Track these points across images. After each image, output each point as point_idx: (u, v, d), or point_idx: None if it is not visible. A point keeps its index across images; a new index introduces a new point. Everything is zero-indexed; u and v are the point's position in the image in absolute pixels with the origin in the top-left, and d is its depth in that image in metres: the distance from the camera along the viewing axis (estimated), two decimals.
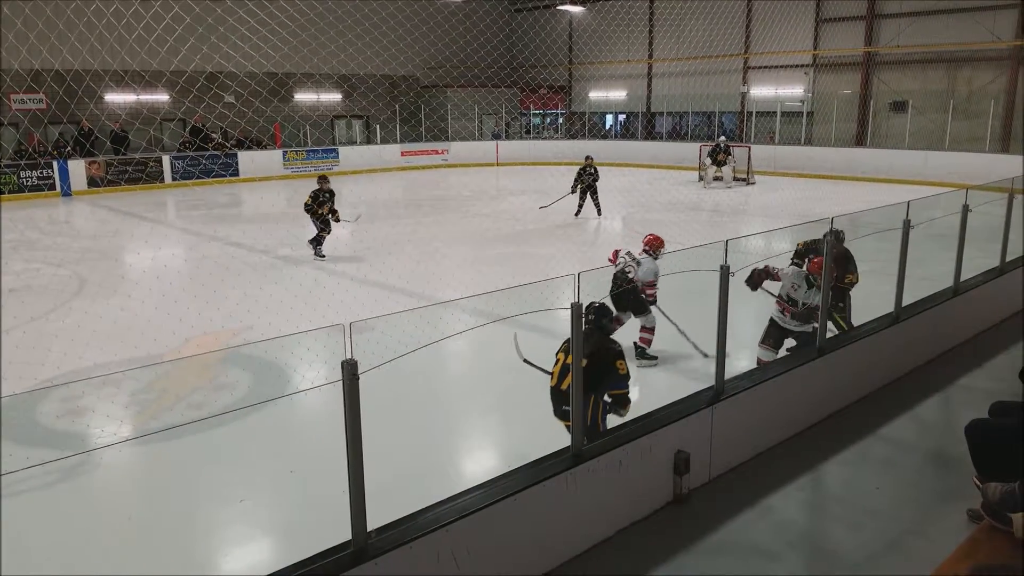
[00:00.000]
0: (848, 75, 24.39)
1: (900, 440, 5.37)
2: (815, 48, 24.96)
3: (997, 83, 21.58)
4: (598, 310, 4.55)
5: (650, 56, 29.20)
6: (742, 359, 6.64)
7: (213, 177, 21.66)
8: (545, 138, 30.45)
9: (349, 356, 2.98)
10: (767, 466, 4.91)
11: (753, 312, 7.16)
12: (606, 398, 4.52)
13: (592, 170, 15.37)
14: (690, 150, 23.26)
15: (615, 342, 4.51)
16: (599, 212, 15.38)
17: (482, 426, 6.01)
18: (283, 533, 4.44)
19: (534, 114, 32.21)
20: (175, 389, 6.39)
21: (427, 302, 8.31)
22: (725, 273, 4.57)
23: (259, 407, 5.81)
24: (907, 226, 6.22)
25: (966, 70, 22.15)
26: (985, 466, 4.11)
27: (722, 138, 21.47)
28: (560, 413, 4.57)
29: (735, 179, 20.66)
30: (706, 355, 7.06)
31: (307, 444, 5.40)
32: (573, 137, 29.44)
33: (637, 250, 7.37)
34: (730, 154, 20.49)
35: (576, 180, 15.49)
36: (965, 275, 7.42)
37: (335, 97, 26.75)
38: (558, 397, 4.55)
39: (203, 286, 9.55)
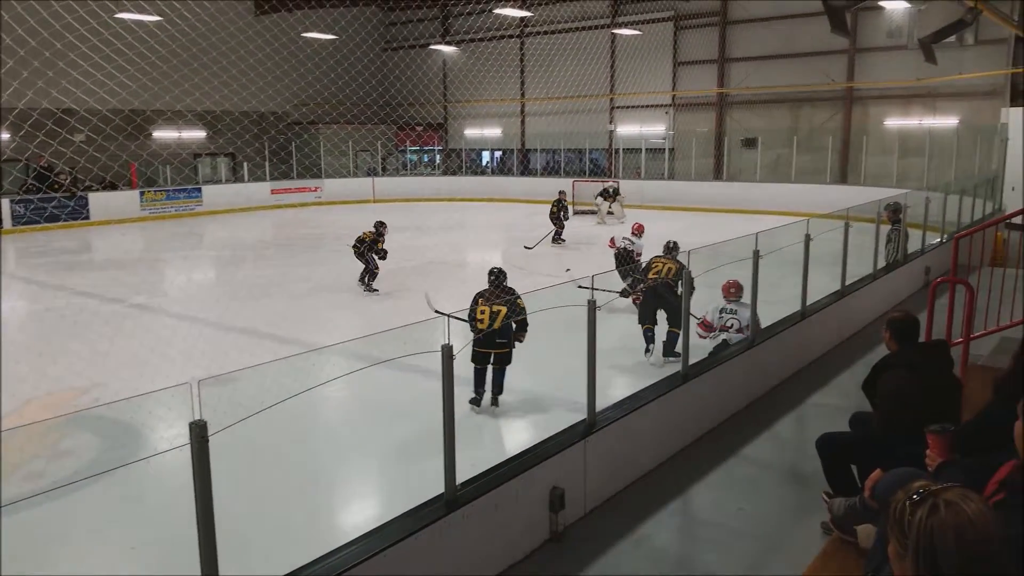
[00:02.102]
0: (704, 114, 25.93)
1: (760, 459, 5.62)
2: (674, 88, 26.42)
3: (834, 120, 23.57)
4: (498, 272, 6.94)
5: (522, 95, 29.97)
6: (616, 388, 6.80)
7: (60, 223, 20.05)
8: (422, 174, 30.51)
9: (198, 416, 2.78)
10: (640, 494, 5.00)
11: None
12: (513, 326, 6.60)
13: (564, 203, 17.25)
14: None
15: (514, 289, 6.80)
16: (556, 238, 16.75)
17: (358, 476, 5.82)
18: None
19: (411, 151, 32.24)
20: (11, 458, 5.79)
21: (300, 348, 7.99)
22: (592, 307, 4.69)
23: (107, 474, 5.34)
24: (756, 256, 6.62)
25: (806, 109, 24.07)
26: (835, 479, 4.36)
27: (612, 184, 22.16)
28: (493, 344, 6.62)
29: (609, 213, 21.40)
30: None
31: (159, 513, 4.98)
32: (451, 173, 29.65)
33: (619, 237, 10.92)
34: (619, 194, 21.26)
35: (556, 215, 16.98)
36: (813, 298, 7.97)
37: (198, 134, 25.47)
38: (489, 336, 6.53)
39: (47, 342, 8.81)
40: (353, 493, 5.48)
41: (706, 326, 7.31)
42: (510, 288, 6.96)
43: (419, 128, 31.33)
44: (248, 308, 10.71)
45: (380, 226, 12.26)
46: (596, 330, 4.73)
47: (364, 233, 12.19)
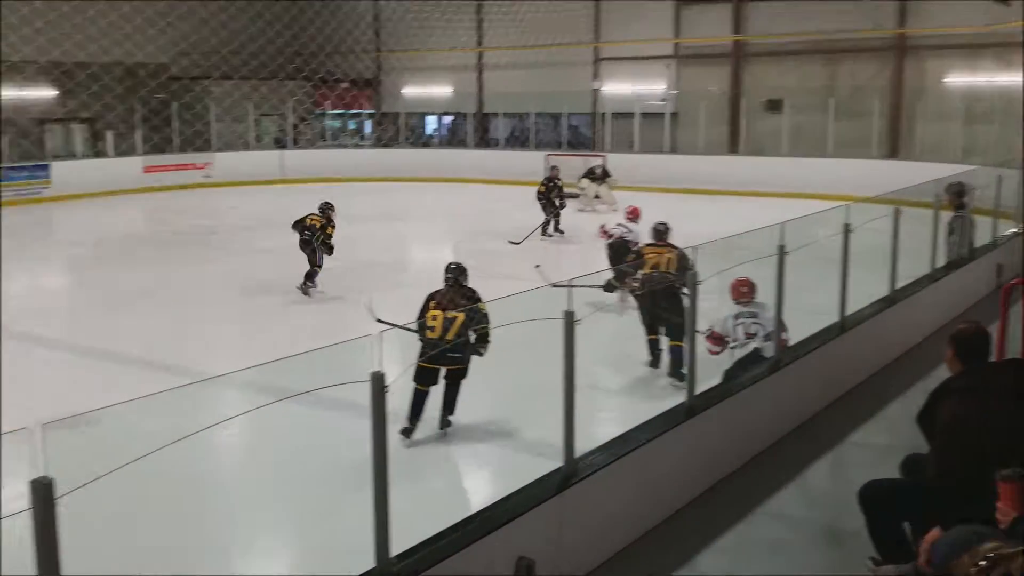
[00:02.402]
0: (716, 69, 26.32)
1: (787, 515, 5.70)
2: (677, 36, 26.73)
3: (880, 77, 24.08)
4: (455, 269, 7.37)
5: (479, 43, 30.08)
6: (602, 422, 6.84)
7: None
8: (347, 146, 30.43)
9: (42, 472, 2.79)
10: (632, 565, 5.04)
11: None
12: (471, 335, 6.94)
13: (558, 183, 17.47)
14: (534, 162, 24.09)
15: (475, 290, 7.23)
16: (548, 229, 17.05)
17: (255, 546, 5.77)
18: None
19: (332, 115, 32.15)
20: None
21: (184, 378, 7.88)
22: (570, 319, 4.73)
23: None
24: (782, 253, 6.73)
25: (847, 63, 24.57)
26: (882, 540, 4.43)
27: (599, 162, 22.35)
28: (444, 358, 6.86)
29: (596, 198, 21.56)
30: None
31: None
32: (386, 145, 29.63)
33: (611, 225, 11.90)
34: (609, 175, 21.42)
35: (546, 199, 17.21)
36: (854, 306, 8.13)
37: (44, 93, 24.58)
38: (438, 346, 6.73)
39: None
40: (249, 569, 5.43)
41: (716, 339, 7.43)
42: (471, 289, 7.26)
43: (343, 85, 31.28)
44: (113, 325, 10.57)
45: (328, 209, 12.46)
46: (575, 348, 4.76)
47: (311, 218, 12.31)
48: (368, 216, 16.93)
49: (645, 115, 26.06)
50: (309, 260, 12.16)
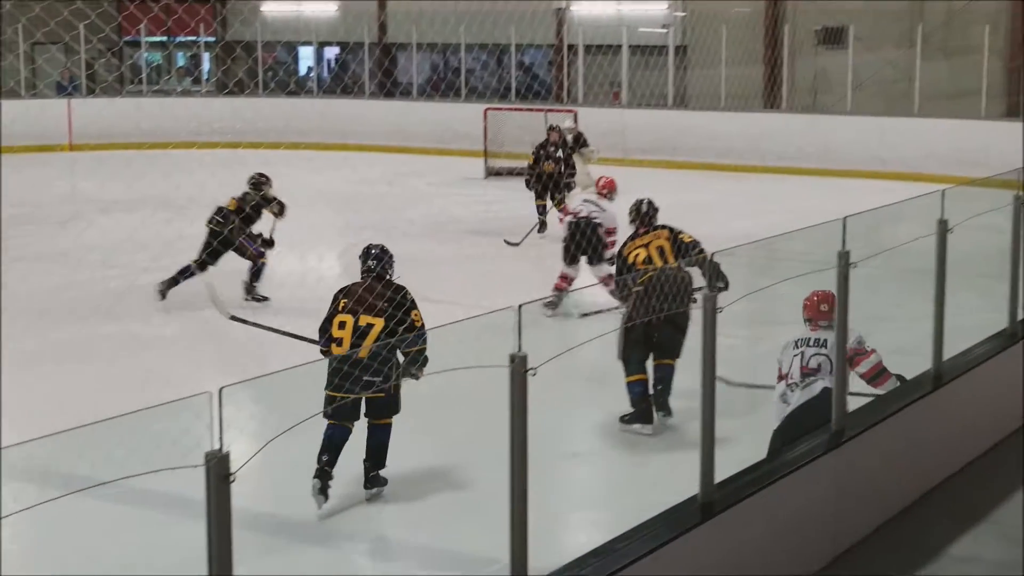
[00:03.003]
0: None
1: None
2: None
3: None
4: (378, 255, 7.83)
5: None
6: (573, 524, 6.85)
7: None
8: (173, 93, 30.16)
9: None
10: None
11: None
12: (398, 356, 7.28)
13: (561, 146, 18.06)
14: (470, 117, 24.24)
15: (404, 288, 7.64)
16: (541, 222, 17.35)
17: None
18: None
19: (150, 46, 31.81)
20: None
21: None
22: (519, 370, 4.78)
23: None
24: (846, 262, 6.79)
25: None
26: None
27: (568, 122, 22.29)
28: (360, 383, 7.05)
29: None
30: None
31: None
32: (234, 93, 29.37)
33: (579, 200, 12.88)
34: (585, 144, 21.33)
35: (535, 171, 17.76)
36: (955, 344, 8.24)
37: None
38: (354, 367, 7.03)
39: None
40: None
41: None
42: (397, 286, 7.71)
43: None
44: None
45: (261, 184, 13.88)
46: (527, 418, 4.80)
47: (229, 202, 13.56)
48: (209, 202, 16.71)
49: (637, 49, 26.32)
50: (244, 256, 13.29)
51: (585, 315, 13.14)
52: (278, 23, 31.54)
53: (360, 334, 7.35)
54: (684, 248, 9.29)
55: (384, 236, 16.31)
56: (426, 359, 7.30)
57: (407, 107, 27.79)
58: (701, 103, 25.73)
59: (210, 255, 13.08)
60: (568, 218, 12.52)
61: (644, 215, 9.49)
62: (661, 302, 8.38)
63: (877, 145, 22.26)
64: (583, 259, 12.33)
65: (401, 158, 24.73)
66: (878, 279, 7.12)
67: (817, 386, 7.27)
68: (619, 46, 26.12)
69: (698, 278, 8.62)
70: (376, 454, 7.36)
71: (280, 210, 13.75)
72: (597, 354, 9.48)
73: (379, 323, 7.37)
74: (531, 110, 24.13)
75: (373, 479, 7.38)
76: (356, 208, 19.34)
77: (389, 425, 7.40)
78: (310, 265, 14.93)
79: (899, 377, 7.67)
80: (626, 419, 8.83)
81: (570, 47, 27.83)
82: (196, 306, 12.28)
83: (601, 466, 8.70)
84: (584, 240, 11.89)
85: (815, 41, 25.71)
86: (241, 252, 13.24)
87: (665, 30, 26.60)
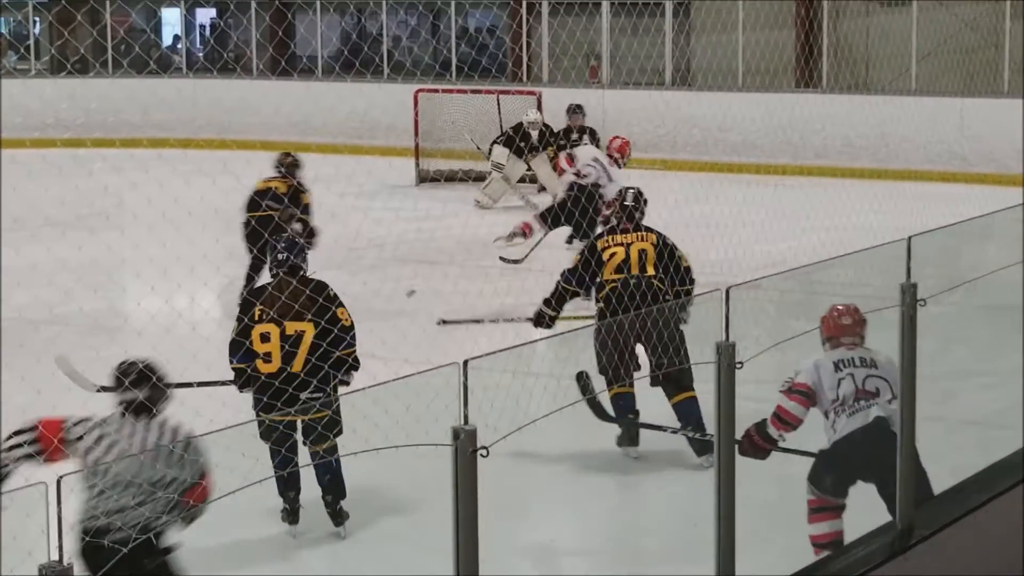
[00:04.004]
0: None
1: None
2: None
3: None
4: (288, 247, 8.90)
5: None
6: None
7: None
8: None
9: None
10: None
11: None
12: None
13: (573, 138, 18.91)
14: (396, 103, 24.32)
15: (324, 283, 8.73)
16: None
17: None
18: None
19: None
20: None
21: None
22: (465, 450, 4.81)
23: None
24: (912, 298, 6.84)
25: None
26: None
27: (532, 114, 22.34)
28: (295, 401, 8.10)
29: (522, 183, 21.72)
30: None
31: None
32: (68, 74, 29.38)
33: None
34: (554, 136, 21.45)
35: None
36: None
37: None
38: (286, 384, 8.02)
39: None
40: None
41: (802, 398, 7.81)
42: (317, 282, 8.72)
43: None
44: None
45: (292, 166, 15.76)
46: (476, 508, 4.84)
47: (272, 182, 15.57)
48: (49, 220, 16.69)
49: (623, 8, 26.53)
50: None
51: (445, 323, 14.10)
52: None
53: (291, 344, 8.14)
54: (676, 267, 9.95)
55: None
56: (357, 362, 8.49)
57: (309, 89, 27.92)
58: (710, 81, 25.90)
59: (261, 250, 13.86)
60: (568, 175, 13.61)
61: (628, 209, 10.17)
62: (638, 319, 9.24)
63: (953, 136, 22.48)
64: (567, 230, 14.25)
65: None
66: (956, 320, 7.14)
67: (872, 412, 7.70)
68: (597, 3, 26.29)
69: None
70: (334, 488, 8.25)
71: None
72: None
73: (309, 328, 8.19)
74: (478, 91, 24.30)
75: (337, 514, 8.30)
76: (235, 228, 19.33)
77: (335, 448, 8.11)
78: (179, 307, 14.90)
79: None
80: (619, 441, 9.63)
81: (531, 6, 27.93)
82: None
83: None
84: (577, 210, 13.08)
85: None
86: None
87: None
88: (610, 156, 13.77)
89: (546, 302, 11.05)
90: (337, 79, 28.40)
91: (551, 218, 13.71)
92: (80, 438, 6.82)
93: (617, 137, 14.13)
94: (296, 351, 8.12)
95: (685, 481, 9.00)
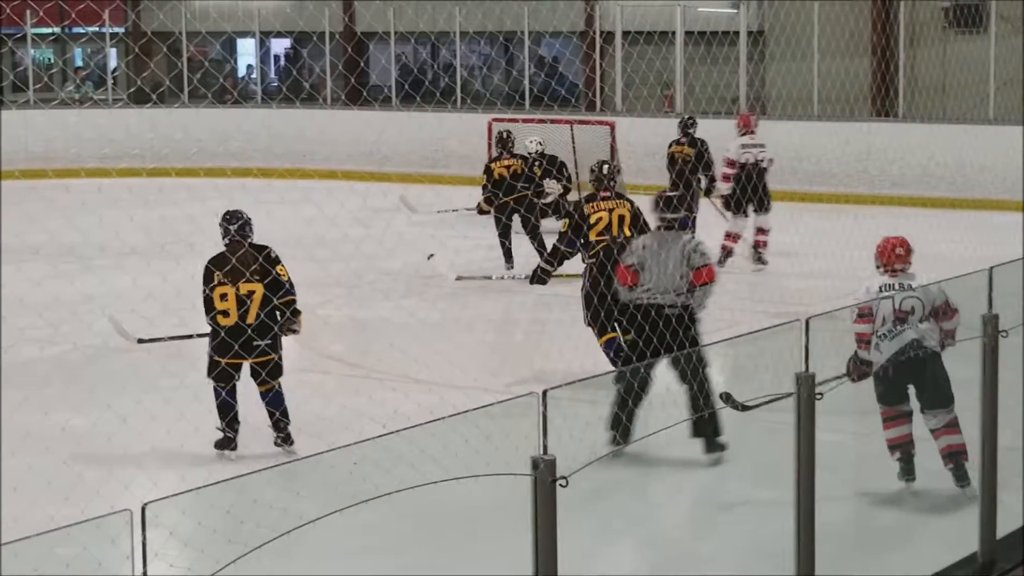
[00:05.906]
0: None
1: None
2: None
3: None
4: (237, 218, 10.53)
5: None
6: None
7: None
8: (73, 104, 30.28)
9: None
10: None
11: None
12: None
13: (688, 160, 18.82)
14: (470, 131, 24.31)
15: (267, 246, 10.52)
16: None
17: None
18: None
19: (37, 39, 31.96)
20: None
21: None
22: None
23: None
24: (993, 328, 6.80)
25: None
26: None
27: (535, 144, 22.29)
28: (249, 348, 10.16)
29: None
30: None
31: None
32: (143, 100, 29.39)
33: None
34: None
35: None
36: None
37: None
38: (239, 334, 10.06)
39: None
40: None
41: (867, 318, 8.94)
42: (260, 246, 10.60)
43: None
44: None
45: (508, 141, 17.73)
46: (556, 540, 4.87)
47: (511, 165, 17.29)
48: (127, 252, 16.75)
49: (697, 37, 26.48)
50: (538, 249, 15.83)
51: (460, 278, 16.14)
52: (210, 9, 31.58)
53: (244, 302, 10.14)
54: (642, 230, 11.75)
55: (356, 294, 16.31)
56: (298, 311, 10.50)
57: (384, 119, 27.82)
58: (785, 109, 25.83)
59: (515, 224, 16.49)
60: (732, 170, 15.77)
61: (606, 177, 12.13)
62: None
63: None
64: (751, 210, 16.39)
65: (377, 188, 24.72)
66: None
67: (907, 336, 8.99)
68: (672, 33, 26.23)
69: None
70: (282, 414, 10.30)
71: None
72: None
73: (259, 288, 10.16)
74: (553, 122, 24.19)
75: (285, 438, 10.27)
76: (318, 258, 19.34)
77: (279, 386, 10.38)
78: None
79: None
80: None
81: (606, 34, 27.91)
82: None
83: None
84: (750, 188, 14.90)
85: (943, 23, 25.80)
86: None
87: (735, 11, 26.76)
88: (749, 132, 16.56)
89: (546, 261, 13.13)
90: (411, 107, 28.24)
91: (735, 206, 16.30)
92: None
93: (743, 115, 16.71)
94: (248, 305, 10.13)
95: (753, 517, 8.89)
